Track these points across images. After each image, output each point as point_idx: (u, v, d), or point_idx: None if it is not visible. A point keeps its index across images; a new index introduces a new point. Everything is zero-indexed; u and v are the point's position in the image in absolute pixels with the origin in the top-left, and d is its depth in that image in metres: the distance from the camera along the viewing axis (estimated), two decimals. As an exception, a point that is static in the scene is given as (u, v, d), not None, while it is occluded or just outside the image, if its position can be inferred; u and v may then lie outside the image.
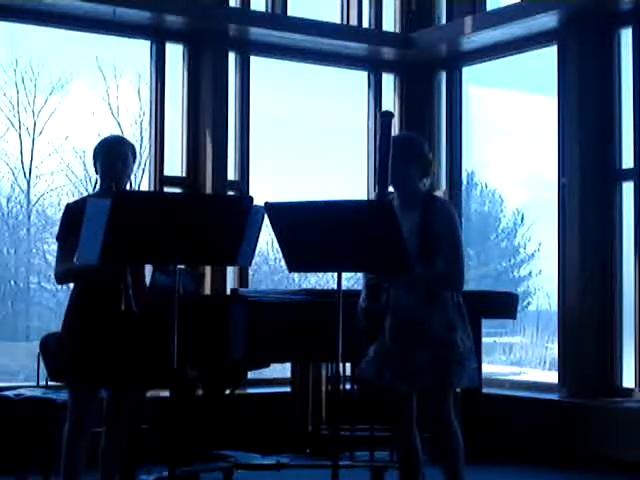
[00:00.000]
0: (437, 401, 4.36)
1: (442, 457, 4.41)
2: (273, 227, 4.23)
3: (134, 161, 4.75)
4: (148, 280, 4.83)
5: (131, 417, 4.80)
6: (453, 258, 4.31)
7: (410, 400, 4.44)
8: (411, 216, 4.34)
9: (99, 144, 4.73)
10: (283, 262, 4.39)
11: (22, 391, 5.75)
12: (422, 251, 4.29)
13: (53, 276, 4.75)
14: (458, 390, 5.36)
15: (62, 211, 4.77)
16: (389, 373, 4.35)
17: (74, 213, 4.56)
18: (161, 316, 4.38)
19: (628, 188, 7.22)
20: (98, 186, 4.74)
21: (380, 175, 4.30)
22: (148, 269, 4.89)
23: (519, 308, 6.84)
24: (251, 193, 7.65)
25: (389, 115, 4.40)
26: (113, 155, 4.63)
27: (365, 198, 8.24)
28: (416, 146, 4.47)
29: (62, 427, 4.61)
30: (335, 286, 4.25)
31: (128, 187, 4.74)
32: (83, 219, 4.38)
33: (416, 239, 4.28)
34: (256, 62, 7.94)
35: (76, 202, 4.76)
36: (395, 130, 8.50)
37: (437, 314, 4.31)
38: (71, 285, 4.77)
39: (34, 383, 6.05)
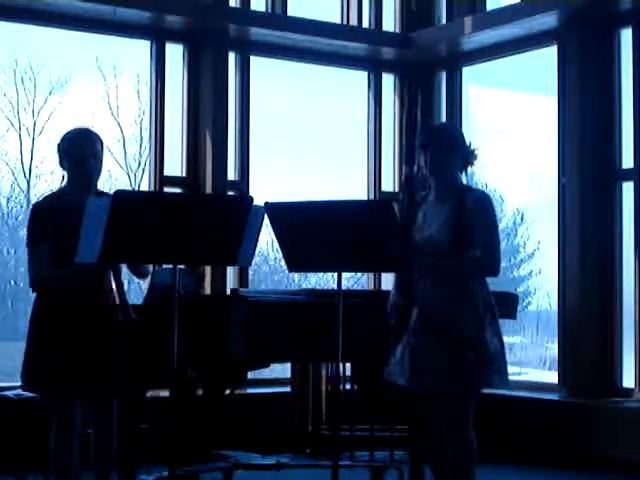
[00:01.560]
0: (459, 402, 4.27)
1: (456, 457, 4.31)
2: (273, 227, 4.24)
3: (103, 152, 4.53)
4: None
5: (131, 417, 4.79)
6: (489, 243, 4.24)
7: (437, 398, 4.32)
8: (445, 208, 4.28)
9: (65, 138, 4.51)
10: (283, 262, 4.40)
11: (22, 391, 5.74)
12: (455, 243, 4.23)
13: (29, 282, 4.48)
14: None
15: (30, 212, 4.53)
16: (411, 371, 4.24)
17: (43, 213, 4.46)
18: (154, 318, 4.38)
19: (628, 188, 7.22)
20: (65, 183, 4.53)
21: (407, 153, 4.30)
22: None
23: (519, 308, 6.84)
24: (251, 193, 7.64)
25: (417, 96, 4.42)
26: (84, 150, 4.44)
27: (365, 198, 8.25)
28: (454, 137, 4.39)
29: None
30: (335, 286, 4.26)
31: (99, 183, 4.56)
32: (54, 218, 4.32)
33: (449, 231, 4.23)
34: (256, 62, 7.94)
35: (43, 200, 4.62)
36: (397, 126, 8.50)
37: (467, 311, 4.22)
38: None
39: (34, 383, 6.03)
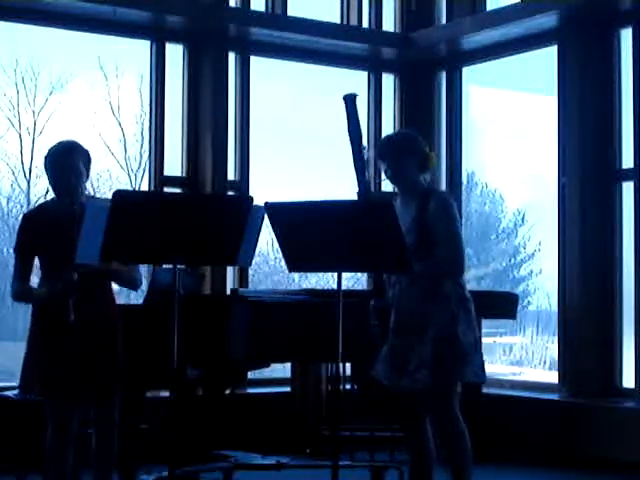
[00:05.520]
0: (439, 399, 4.33)
1: (449, 458, 4.38)
2: (273, 227, 4.24)
3: (89, 165, 4.59)
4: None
5: (131, 417, 4.80)
6: (449, 244, 4.31)
7: (419, 398, 4.40)
8: (410, 211, 4.39)
9: (47, 156, 4.56)
10: (283, 262, 4.40)
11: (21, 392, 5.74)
12: (420, 245, 4.32)
13: (10, 291, 4.59)
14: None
15: (20, 221, 4.62)
16: (392, 370, 4.34)
17: (32, 223, 4.53)
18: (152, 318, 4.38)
19: (628, 188, 7.22)
20: (50, 194, 4.64)
21: (356, 162, 4.39)
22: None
23: (519, 308, 6.84)
24: (251, 193, 7.65)
25: (351, 96, 4.50)
26: (64, 169, 4.50)
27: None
28: (410, 142, 4.52)
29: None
30: (335, 286, 4.26)
31: (87, 192, 4.65)
32: (43, 229, 4.40)
33: (414, 233, 4.31)
34: (256, 62, 7.94)
35: (34, 210, 4.70)
36: (397, 126, 8.50)
37: (438, 309, 4.30)
38: None
39: (34, 383, 6.03)
